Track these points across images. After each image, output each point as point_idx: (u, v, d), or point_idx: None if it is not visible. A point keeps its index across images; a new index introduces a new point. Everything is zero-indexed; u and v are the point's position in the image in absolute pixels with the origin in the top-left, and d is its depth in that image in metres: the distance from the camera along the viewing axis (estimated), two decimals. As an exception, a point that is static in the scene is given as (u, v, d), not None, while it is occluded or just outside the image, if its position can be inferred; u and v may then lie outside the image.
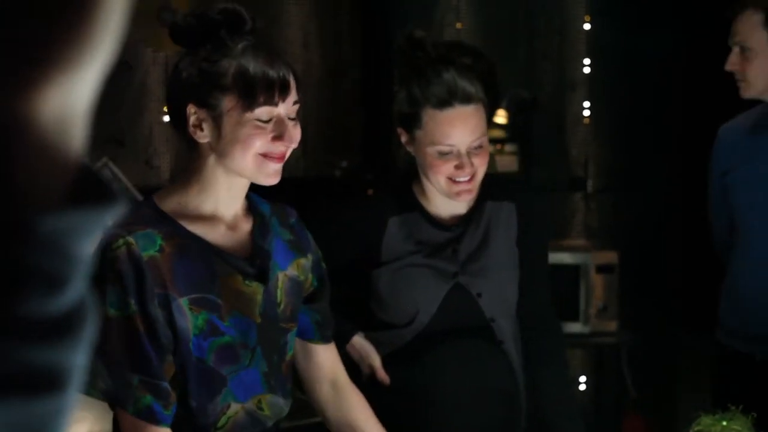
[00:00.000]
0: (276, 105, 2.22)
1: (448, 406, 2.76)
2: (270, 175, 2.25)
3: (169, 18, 2.25)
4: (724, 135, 3.39)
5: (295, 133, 2.25)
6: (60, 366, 0.58)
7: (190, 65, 2.25)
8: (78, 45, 0.59)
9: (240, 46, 2.23)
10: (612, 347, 4.99)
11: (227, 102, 2.21)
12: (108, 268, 2.16)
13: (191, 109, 2.23)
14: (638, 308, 5.18)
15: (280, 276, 2.38)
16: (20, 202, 0.57)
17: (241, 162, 2.23)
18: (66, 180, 0.58)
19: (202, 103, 2.22)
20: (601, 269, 4.87)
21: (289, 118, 2.25)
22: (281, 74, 2.24)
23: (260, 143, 2.21)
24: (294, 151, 2.29)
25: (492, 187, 2.80)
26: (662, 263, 5.41)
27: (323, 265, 2.49)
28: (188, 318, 2.21)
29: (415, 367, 2.77)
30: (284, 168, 2.28)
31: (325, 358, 2.55)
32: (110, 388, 2.17)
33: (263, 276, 2.33)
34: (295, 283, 2.41)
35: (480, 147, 2.67)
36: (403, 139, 2.74)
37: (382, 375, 2.77)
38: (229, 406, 2.26)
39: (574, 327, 4.84)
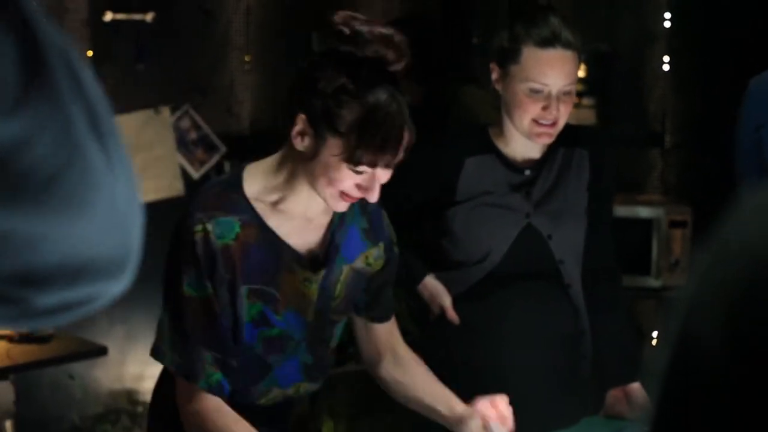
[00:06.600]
0: (376, 167, 2.18)
1: (514, 347, 2.81)
2: (339, 209, 2.27)
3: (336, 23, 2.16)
4: (757, 88, 3.27)
5: (380, 185, 2.21)
6: None
7: (321, 82, 2.16)
8: None
9: (374, 95, 2.14)
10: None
11: (333, 143, 2.16)
12: (186, 250, 2.22)
13: (300, 119, 2.18)
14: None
15: (345, 269, 2.39)
16: None
17: (320, 189, 2.22)
18: None
19: (312, 124, 2.18)
20: (675, 224, 4.86)
21: (385, 167, 2.20)
22: (396, 142, 2.16)
23: (346, 186, 2.19)
24: None
25: (565, 133, 2.85)
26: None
27: (395, 249, 2.51)
28: (245, 305, 2.27)
29: (483, 307, 2.83)
30: None
31: (380, 335, 2.57)
32: (184, 363, 2.26)
33: (327, 274, 2.35)
34: (359, 275, 2.43)
35: (569, 94, 2.75)
36: (494, 75, 2.79)
37: (452, 315, 2.83)
38: (270, 390, 2.38)
39: (646, 281, 4.85)
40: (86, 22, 4.98)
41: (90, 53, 5.01)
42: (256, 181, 2.30)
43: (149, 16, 5.08)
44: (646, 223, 4.87)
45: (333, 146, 2.15)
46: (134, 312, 5.02)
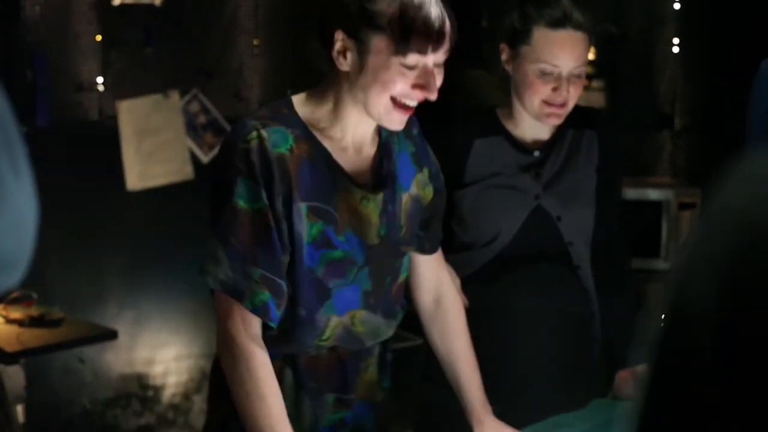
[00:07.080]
0: (426, 54, 2.16)
1: (524, 329, 2.81)
2: (394, 124, 2.22)
3: None
4: None
5: (437, 82, 2.19)
6: None
7: None
8: None
9: None
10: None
11: (378, 42, 2.14)
12: (240, 159, 2.15)
13: (339, 35, 2.17)
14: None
15: (404, 197, 2.37)
16: None
17: (373, 102, 2.19)
18: None
19: (352, 34, 2.16)
20: (684, 206, 4.86)
21: (435, 65, 2.19)
22: (440, 23, 2.15)
23: (400, 88, 2.16)
24: None
25: (574, 115, 2.85)
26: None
27: (441, 178, 2.51)
28: (304, 224, 2.20)
29: (492, 289, 2.83)
30: None
31: (427, 269, 2.57)
32: (229, 280, 2.15)
33: (388, 199, 2.32)
34: (416, 203, 2.41)
35: (579, 76, 2.77)
36: (504, 56, 2.81)
37: (462, 297, 2.83)
38: (329, 319, 2.27)
39: (656, 263, 4.85)
40: (94, 6, 4.98)
41: (99, 37, 5.01)
42: (306, 106, 2.27)
43: (158, 0, 5.07)
44: (656, 206, 4.87)
45: (378, 45, 2.14)
46: (144, 296, 5.03)
